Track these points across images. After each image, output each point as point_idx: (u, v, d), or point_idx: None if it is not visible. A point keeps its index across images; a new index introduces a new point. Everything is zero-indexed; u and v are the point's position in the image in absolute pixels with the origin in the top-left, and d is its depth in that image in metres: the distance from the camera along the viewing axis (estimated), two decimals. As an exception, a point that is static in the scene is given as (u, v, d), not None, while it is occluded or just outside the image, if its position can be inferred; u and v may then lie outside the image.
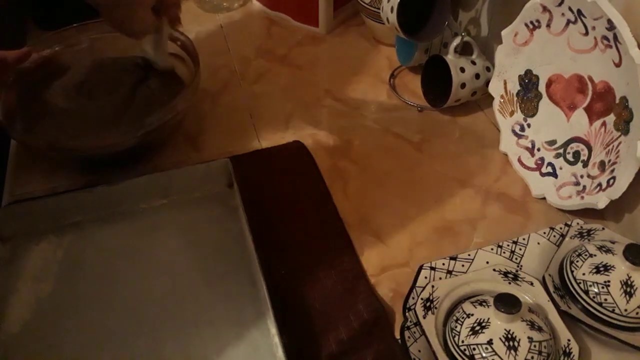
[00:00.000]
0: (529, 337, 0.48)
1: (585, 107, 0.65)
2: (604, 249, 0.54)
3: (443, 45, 0.82)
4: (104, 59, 0.77)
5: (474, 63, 0.76)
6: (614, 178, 0.60)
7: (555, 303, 0.53)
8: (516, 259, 0.60)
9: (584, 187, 0.65)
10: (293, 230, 0.64)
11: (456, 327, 0.50)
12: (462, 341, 0.49)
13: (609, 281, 0.52)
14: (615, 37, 0.57)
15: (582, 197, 0.64)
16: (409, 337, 0.53)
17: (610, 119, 0.62)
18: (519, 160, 0.72)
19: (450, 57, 0.75)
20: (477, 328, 0.49)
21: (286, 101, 0.82)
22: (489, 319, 0.49)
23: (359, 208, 0.68)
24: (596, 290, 0.53)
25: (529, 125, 0.72)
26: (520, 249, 0.61)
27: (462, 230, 0.66)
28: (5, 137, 0.72)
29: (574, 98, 0.66)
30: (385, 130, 0.78)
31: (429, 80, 0.80)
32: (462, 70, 0.74)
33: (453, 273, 0.58)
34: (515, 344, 0.48)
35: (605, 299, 0.52)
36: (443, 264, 0.59)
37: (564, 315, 0.53)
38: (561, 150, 0.69)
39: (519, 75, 0.72)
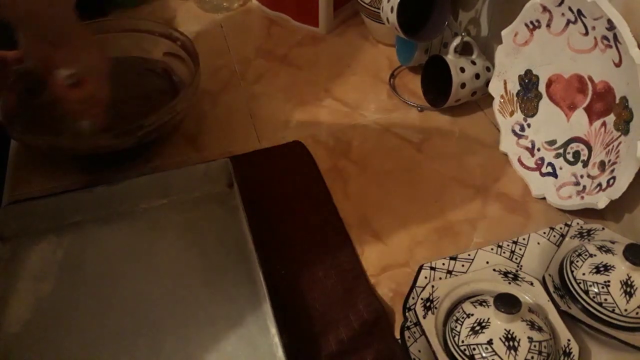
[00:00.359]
0: (529, 337, 0.48)
1: (585, 107, 0.65)
2: (604, 249, 0.54)
3: (443, 45, 0.81)
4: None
5: (474, 63, 0.76)
6: (614, 178, 0.60)
7: (555, 303, 0.53)
8: (516, 259, 0.60)
9: (584, 187, 0.65)
10: (293, 230, 0.64)
11: (456, 327, 0.50)
12: (462, 341, 0.49)
13: (609, 281, 0.52)
14: (615, 37, 0.57)
15: (582, 197, 0.64)
16: (409, 337, 0.53)
17: (610, 119, 0.62)
18: (519, 160, 0.72)
19: (450, 57, 0.75)
20: (477, 328, 0.49)
21: (286, 101, 0.82)
22: (489, 319, 0.49)
23: (359, 208, 0.68)
24: (596, 290, 0.53)
25: (529, 125, 0.72)
26: (520, 249, 0.61)
27: (462, 230, 0.66)
28: (5, 137, 0.72)
29: (574, 98, 0.66)
30: (385, 130, 0.78)
31: (429, 80, 0.80)
32: (462, 70, 0.74)
33: (453, 273, 0.58)
34: (515, 344, 0.48)
35: (605, 299, 0.52)
36: (443, 264, 0.59)
37: (564, 315, 0.53)
38: (561, 150, 0.69)
39: (519, 75, 0.72)
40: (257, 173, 0.70)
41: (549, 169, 0.69)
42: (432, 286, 0.55)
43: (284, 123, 0.78)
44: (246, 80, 0.85)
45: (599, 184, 0.62)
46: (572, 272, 0.55)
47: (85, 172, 0.70)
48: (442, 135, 0.77)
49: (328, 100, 0.82)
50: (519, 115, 0.73)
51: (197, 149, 0.74)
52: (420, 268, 0.58)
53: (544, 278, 0.56)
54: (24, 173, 0.71)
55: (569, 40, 0.65)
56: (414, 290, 0.56)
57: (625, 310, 0.52)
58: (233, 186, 0.66)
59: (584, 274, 0.54)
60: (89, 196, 0.64)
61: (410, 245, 0.64)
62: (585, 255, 0.55)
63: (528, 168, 0.71)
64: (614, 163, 0.61)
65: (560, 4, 0.63)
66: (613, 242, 0.55)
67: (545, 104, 0.70)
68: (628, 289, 0.52)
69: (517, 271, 0.56)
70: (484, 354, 0.48)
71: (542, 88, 0.70)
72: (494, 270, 0.57)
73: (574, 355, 0.50)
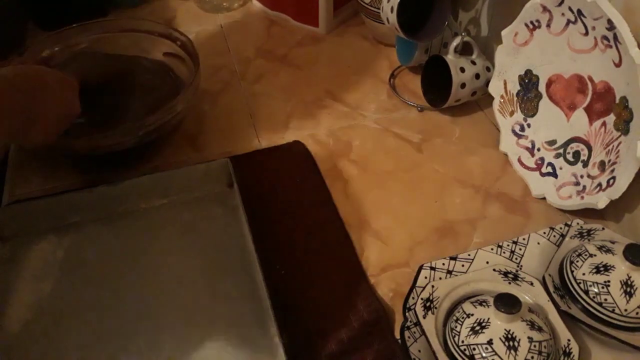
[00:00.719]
0: (529, 337, 0.48)
1: (585, 107, 0.65)
2: (604, 249, 0.54)
3: (443, 45, 0.82)
4: (104, 59, 0.77)
5: (474, 63, 0.76)
6: (614, 178, 0.60)
7: (555, 303, 0.53)
8: (516, 259, 0.60)
9: (584, 187, 0.65)
10: (293, 230, 0.64)
11: (456, 327, 0.50)
12: (462, 341, 0.49)
13: (609, 281, 0.52)
14: (615, 37, 0.57)
15: (582, 197, 0.64)
16: (409, 337, 0.53)
17: (610, 119, 0.62)
18: (519, 160, 0.72)
19: (450, 57, 0.75)
20: (477, 328, 0.49)
21: (286, 101, 0.82)
22: (489, 319, 0.49)
23: (359, 208, 0.68)
24: (596, 290, 0.53)
25: (529, 125, 0.72)
26: (520, 249, 0.61)
27: (462, 230, 0.66)
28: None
29: (574, 98, 0.66)
30: (385, 130, 0.78)
31: (429, 80, 0.80)
32: (462, 70, 0.74)
33: (453, 273, 0.58)
34: (515, 344, 0.48)
35: (605, 299, 0.52)
36: (443, 264, 0.59)
37: (564, 315, 0.53)
38: (561, 150, 0.69)
39: (519, 75, 0.72)
40: (257, 173, 0.70)
41: (549, 169, 0.69)
42: (432, 286, 0.55)
43: (284, 123, 0.78)
44: (246, 80, 0.85)
45: (599, 184, 0.62)
46: (572, 272, 0.55)
47: (85, 172, 0.70)
48: (442, 135, 0.77)
49: (328, 100, 0.82)
50: (519, 115, 0.73)
51: (197, 149, 0.74)
52: (420, 268, 0.58)
53: (544, 278, 0.56)
54: (24, 173, 0.71)
55: (569, 40, 0.65)
56: (414, 290, 0.56)
57: (625, 310, 0.52)
58: (233, 186, 0.66)
59: (584, 274, 0.54)
60: (89, 196, 0.64)
61: (410, 245, 0.64)
62: (585, 255, 0.55)
63: (528, 168, 0.71)
64: (614, 163, 0.61)
65: (560, 4, 0.63)
66: (613, 242, 0.55)
67: (545, 104, 0.70)
68: (628, 289, 0.52)
69: (517, 271, 0.56)
70: (484, 354, 0.48)
71: (542, 88, 0.70)
72: (494, 270, 0.57)
73: (573, 355, 0.50)
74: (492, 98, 0.75)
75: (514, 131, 0.73)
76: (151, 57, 0.79)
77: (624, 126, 0.60)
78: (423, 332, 0.52)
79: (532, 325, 0.49)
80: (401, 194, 0.69)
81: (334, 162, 0.73)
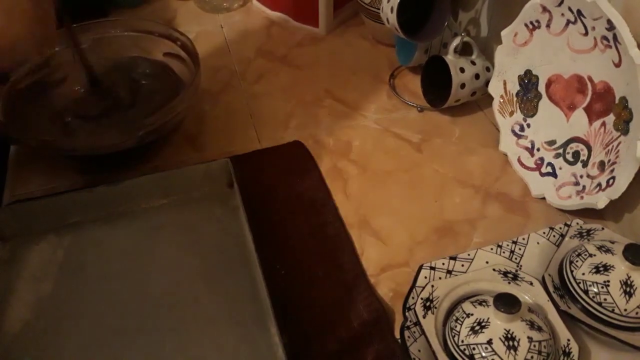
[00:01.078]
0: (528, 337, 0.48)
1: (584, 107, 0.65)
2: (603, 248, 0.54)
3: (443, 45, 0.82)
4: (104, 59, 0.77)
5: (473, 63, 0.76)
6: (613, 178, 0.60)
7: (554, 303, 0.53)
8: (516, 258, 0.60)
9: (584, 187, 0.65)
10: (293, 230, 0.64)
11: (456, 326, 0.50)
12: (462, 341, 0.49)
13: (608, 281, 0.52)
14: (615, 37, 0.57)
15: (582, 197, 0.64)
16: (408, 337, 0.53)
17: (610, 119, 0.62)
18: (519, 160, 0.72)
19: (450, 57, 0.75)
20: (477, 328, 0.49)
21: (286, 101, 0.82)
22: (488, 318, 0.49)
23: (359, 208, 0.68)
24: (596, 290, 0.53)
25: (528, 126, 0.72)
26: (519, 249, 0.61)
27: (462, 230, 0.66)
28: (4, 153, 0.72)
29: (574, 98, 0.66)
30: (385, 130, 0.78)
31: (428, 80, 0.80)
32: (462, 70, 0.75)
33: (453, 273, 0.58)
34: (515, 343, 0.48)
35: (605, 299, 0.52)
36: (443, 264, 0.59)
37: (564, 315, 0.53)
38: (561, 150, 0.69)
39: (519, 76, 0.72)
40: (257, 173, 0.70)
41: (549, 169, 0.69)
42: (432, 286, 0.55)
43: (284, 123, 0.78)
44: (246, 80, 0.85)
45: (599, 184, 0.62)
46: (571, 272, 0.55)
47: (85, 172, 0.70)
48: (442, 135, 0.77)
49: (328, 100, 0.82)
50: (518, 116, 0.73)
51: (197, 149, 0.74)
52: (420, 268, 0.58)
53: (543, 278, 0.56)
54: (24, 173, 0.71)
55: (568, 40, 0.65)
56: (414, 290, 0.56)
57: (625, 310, 0.52)
58: (233, 186, 0.66)
59: (583, 274, 0.54)
60: (89, 196, 0.64)
61: (410, 245, 0.64)
62: (585, 255, 0.55)
63: (528, 168, 0.71)
64: (614, 163, 0.61)
65: (559, 4, 0.63)
66: (612, 242, 0.56)
67: (545, 104, 0.70)
68: (627, 289, 0.52)
69: (516, 271, 0.56)
70: (483, 354, 0.48)
71: (541, 88, 0.70)
72: (494, 270, 0.57)
73: (573, 355, 0.50)
74: (492, 98, 0.75)
75: (513, 131, 0.74)
76: (151, 58, 0.79)
77: (623, 126, 0.60)
78: (423, 332, 0.52)
79: (532, 325, 0.49)
80: (401, 194, 0.70)
81: (334, 162, 0.73)
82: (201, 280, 0.59)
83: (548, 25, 0.66)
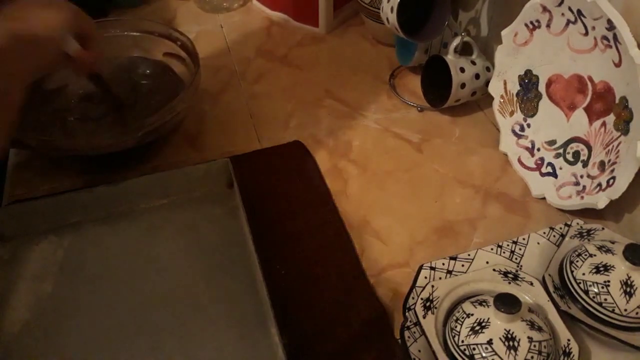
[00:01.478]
0: (528, 337, 0.48)
1: (585, 107, 0.65)
2: (603, 249, 0.54)
3: (443, 45, 0.82)
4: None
5: (473, 63, 0.76)
6: (613, 178, 0.60)
7: (555, 303, 0.53)
8: (516, 259, 0.60)
9: (584, 187, 0.65)
10: (293, 230, 0.64)
11: (456, 327, 0.50)
12: (462, 341, 0.49)
13: (608, 281, 0.52)
14: (615, 37, 0.57)
15: (582, 197, 0.64)
16: (409, 337, 0.53)
17: (610, 119, 0.62)
18: (519, 160, 0.72)
19: (450, 57, 0.75)
20: (477, 328, 0.49)
21: (286, 101, 0.82)
22: (488, 318, 0.49)
23: (359, 208, 0.68)
24: (596, 290, 0.53)
25: (528, 125, 0.72)
26: (520, 249, 0.61)
27: (462, 230, 0.66)
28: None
29: (574, 98, 0.66)
30: (385, 130, 0.78)
31: (429, 80, 0.80)
32: (462, 70, 0.74)
33: (453, 273, 0.58)
34: (515, 343, 0.48)
35: (605, 299, 0.52)
36: (443, 264, 0.59)
37: (564, 315, 0.53)
38: (561, 150, 0.69)
39: (519, 75, 0.72)
40: (257, 173, 0.70)
41: (549, 169, 0.69)
42: (432, 286, 0.55)
43: (284, 123, 0.78)
44: (246, 80, 0.85)
45: (599, 184, 0.62)
46: (572, 272, 0.55)
47: (85, 172, 0.70)
48: (442, 135, 0.77)
49: (328, 100, 0.82)
50: (518, 115, 0.73)
51: (197, 149, 0.74)
52: (420, 268, 0.58)
53: (543, 278, 0.56)
54: (24, 173, 0.71)
55: (568, 40, 0.65)
56: (414, 290, 0.56)
57: (625, 310, 0.52)
58: (233, 186, 0.66)
59: (583, 274, 0.54)
60: (89, 196, 0.64)
61: (410, 245, 0.64)
62: (585, 255, 0.55)
63: (528, 168, 0.71)
64: (614, 163, 0.61)
65: (560, 4, 0.63)
66: (613, 242, 0.55)
67: (545, 104, 0.70)
68: (628, 289, 0.52)
69: (517, 271, 0.56)
70: (483, 354, 0.48)
71: (542, 88, 0.70)
72: (494, 270, 0.57)
73: (573, 355, 0.50)
74: (492, 98, 0.75)
75: (513, 131, 0.74)
76: (151, 58, 0.79)
77: (623, 126, 0.60)
78: (423, 332, 0.52)
79: (532, 325, 0.49)
80: (401, 194, 0.70)
81: (334, 162, 0.73)
82: (201, 280, 0.59)
83: (548, 25, 0.66)
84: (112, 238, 0.63)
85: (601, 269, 0.53)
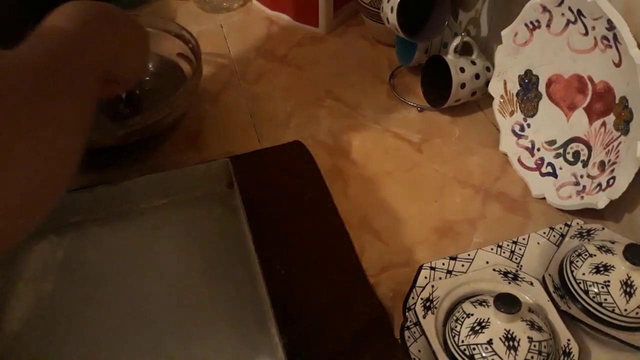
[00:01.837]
0: (528, 337, 0.48)
1: (585, 107, 0.65)
2: (603, 249, 0.54)
3: (443, 45, 0.82)
4: None
5: (474, 63, 0.76)
6: (613, 178, 0.60)
7: (555, 303, 0.53)
8: (516, 258, 0.60)
9: (584, 187, 0.65)
10: (293, 230, 0.64)
11: (456, 327, 0.50)
12: (462, 341, 0.49)
13: (608, 281, 0.52)
14: (615, 37, 0.57)
15: (582, 197, 0.64)
16: (408, 337, 0.53)
17: (610, 119, 0.62)
18: (519, 160, 0.72)
19: (450, 57, 0.75)
20: (477, 328, 0.49)
21: (286, 101, 0.82)
22: (488, 318, 0.49)
23: (359, 208, 0.68)
24: (596, 290, 0.53)
25: (528, 125, 0.72)
26: (520, 249, 0.61)
27: (462, 230, 0.66)
28: None
29: (574, 98, 0.66)
30: (385, 130, 0.78)
31: (429, 80, 0.80)
32: (462, 70, 0.74)
33: (453, 273, 0.58)
34: (515, 343, 0.48)
35: (605, 299, 0.52)
36: (443, 264, 0.59)
37: (564, 315, 0.53)
38: (561, 150, 0.69)
39: (519, 75, 0.72)
40: (257, 173, 0.70)
41: (549, 169, 0.69)
42: (432, 286, 0.55)
43: (284, 123, 0.78)
44: (246, 80, 0.85)
45: (599, 184, 0.62)
46: (572, 272, 0.55)
47: (85, 172, 0.70)
48: (442, 135, 0.77)
49: (328, 100, 0.82)
50: (518, 115, 0.73)
51: (197, 148, 0.74)
52: (420, 268, 0.58)
53: (543, 278, 0.56)
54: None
55: (568, 40, 0.65)
56: (414, 290, 0.56)
57: (625, 310, 0.52)
58: (233, 186, 0.66)
59: (583, 274, 0.54)
60: (89, 196, 0.64)
61: (410, 245, 0.64)
62: (585, 255, 0.55)
63: (528, 168, 0.71)
64: (614, 163, 0.61)
65: (560, 4, 0.63)
66: (613, 242, 0.56)
67: (545, 104, 0.70)
68: (628, 289, 0.52)
69: (517, 271, 0.56)
70: (483, 354, 0.48)
71: (542, 88, 0.70)
72: (494, 270, 0.57)
73: (573, 355, 0.50)
74: (492, 98, 0.75)
75: (513, 131, 0.74)
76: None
77: (623, 126, 0.60)
78: (423, 332, 0.52)
79: (532, 325, 0.49)
80: (401, 194, 0.70)
81: (334, 162, 0.73)
82: (201, 280, 0.59)
83: (548, 25, 0.66)
84: (112, 238, 0.63)
85: (601, 269, 0.53)
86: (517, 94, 0.73)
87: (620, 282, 0.52)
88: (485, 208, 0.68)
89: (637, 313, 0.52)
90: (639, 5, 0.57)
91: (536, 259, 0.60)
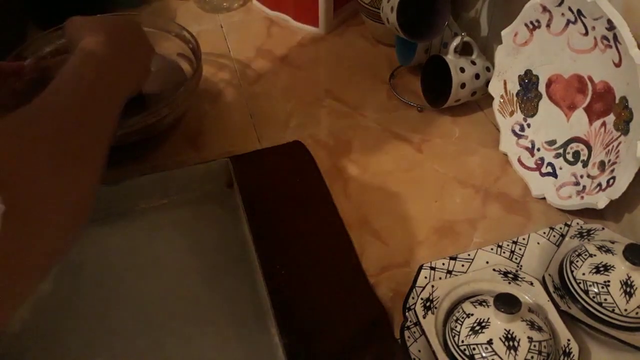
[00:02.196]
0: (528, 337, 0.48)
1: (585, 107, 0.65)
2: (603, 249, 0.54)
3: (443, 45, 0.81)
4: None
5: (474, 63, 0.76)
6: (613, 178, 0.60)
7: (555, 303, 0.53)
8: (516, 259, 0.60)
9: (584, 187, 0.65)
10: (293, 230, 0.64)
11: (456, 327, 0.50)
12: (462, 341, 0.49)
13: (608, 281, 0.52)
14: (615, 37, 0.57)
15: (582, 197, 0.64)
16: (409, 337, 0.53)
17: (610, 119, 0.62)
18: (519, 160, 0.72)
19: (450, 57, 0.75)
20: (477, 328, 0.49)
21: (286, 101, 0.82)
22: (488, 318, 0.49)
23: (359, 208, 0.68)
24: (596, 290, 0.53)
25: (528, 125, 0.72)
26: (520, 249, 0.61)
27: (462, 230, 0.66)
28: None
29: (574, 98, 0.66)
30: (385, 130, 0.78)
31: (429, 80, 0.80)
32: (462, 70, 0.74)
33: (453, 273, 0.58)
34: (515, 343, 0.48)
35: (605, 299, 0.52)
36: (443, 264, 0.59)
37: (564, 315, 0.53)
38: (561, 150, 0.69)
39: (519, 75, 0.72)
40: (257, 173, 0.70)
41: (549, 169, 0.69)
42: (432, 286, 0.55)
43: (284, 123, 0.78)
44: (246, 80, 0.85)
45: (599, 184, 0.62)
46: (572, 272, 0.55)
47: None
48: (442, 135, 0.77)
49: (328, 100, 0.82)
50: (518, 115, 0.73)
51: (197, 148, 0.74)
52: (420, 268, 0.58)
53: (543, 278, 0.56)
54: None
55: (568, 40, 0.65)
56: (414, 290, 0.56)
57: (625, 310, 0.52)
58: (233, 186, 0.66)
59: (583, 274, 0.54)
60: (89, 196, 0.64)
61: (410, 245, 0.64)
62: (585, 255, 0.55)
63: (528, 168, 0.71)
64: (614, 163, 0.61)
65: (560, 4, 0.63)
66: (613, 242, 0.56)
67: (545, 104, 0.70)
68: (628, 289, 0.52)
69: (517, 271, 0.56)
70: (483, 354, 0.48)
71: (542, 88, 0.70)
72: (494, 270, 0.57)
73: (573, 355, 0.50)
74: (492, 98, 0.75)
75: (513, 131, 0.73)
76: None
77: (623, 126, 0.60)
78: (423, 332, 0.52)
79: (532, 325, 0.49)
80: (401, 194, 0.69)
81: (334, 162, 0.73)
82: (201, 280, 0.59)
83: (548, 25, 0.66)
84: (112, 238, 0.63)
85: (601, 269, 0.53)
86: (517, 94, 0.73)
87: (620, 282, 0.52)
88: (485, 208, 0.68)
89: (637, 313, 0.52)
90: (639, 5, 0.57)
91: (536, 259, 0.60)
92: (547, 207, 0.68)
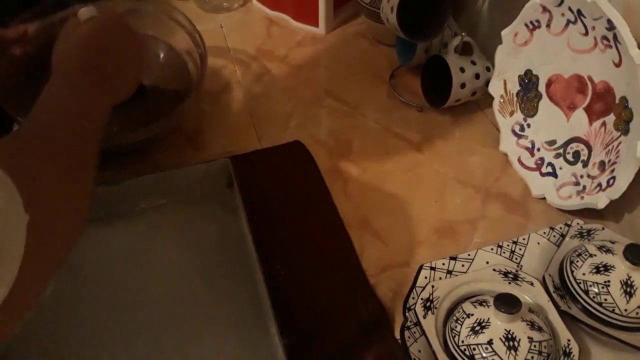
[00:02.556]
0: (529, 337, 0.48)
1: (585, 107, 0.65)
2: (604, 249, 0.54)
3: (443, 45, 0.81)
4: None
5: (474, 63, 0.76)
6: (613, 178, 0.60)
7: (555, 303, 0.53)
8: (516, 259, 0.60)
9: (584, 187, 0.65)
10: (293, 230, 0.64)
11: (456, 327, 0.50)
12: (462, 341, 0.49)
13: (609, 281, 0.52)
14: (615, 37, 0.57)
15: (582, 197, 0.64)
16: (409, 337, 0.53)
17: (610, 119, 0.62)
18: (519, 160, 0.72)
19: (450, 57, 0.75)
20: (477, 328, 0.49)
21: (286, 101, 0.82)
22: (489, 319, 0.49)
23: (359, 208, 0.68)
24: (596, 290, 0.53)
25: (528, 125, 0.72)
26: (520, 249, 0.61)
27: (462, 230, 0.66)
28: (5, 133, 0.71)
29: (574, 98, 0.66)
30: (385, 130, 0.78)
31: (429, 80, 0.80)
32: (462, 70, 0.74)
33: (453, 273, 0.58)
34: (515, 344, 0.48)
35: (605, 299, 0.52)
36: (443, 264, 0.59)
37: (564, 315, 0.53)
38: (561, 150, 0.69)
39: (519, 75, 0.72)
40: (257, 173, 0.70)
41: (549, 169, 0.69)
42: (432, 286, 0.55)
43: (284, 123, 0.78)
44: (246, 80, 0.85)
45: (599, 184, 0.62)
46: (572, 272, 0.55)
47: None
48: (442, 135, 0.77)
49: (328, 100, 0.82)
50: (518, 115, 0.73)
51: (197, 149, 0.74)
52: (420, 268, 0.58)
53: (544, 278, 0.56)
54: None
55: (568, 40, 0.65)
56: (414, 290, 0.56)
57: (625, 310, 0.52)
58: (233, 186, 0.66)
59: (584, 274, 0.54)
60: (88, 196, 0.64)
61: (410, 245, 0.64)
62: (585, 255, 0.55)
63: (528, 168, 0.71)
64: (614, 163, 0.61)
65: (560, 4, 0.63)
66: (613, 242, 0.56)
67: (545, 104, 0.70)
68: (628, 289, 0.52)
69: (517, 271, 0.56)
70: (484, 354, 0.48)
71: (542, 88, 0.70)
72: (494, 270, 0.57)
73: (574, 355, 0.50)
74: (492, 98, 0.75)
75: (513, 131, 0.73)
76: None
77: (623, 126, 0.60)
78: (423, 332, 0.52)
79: (532, 325, 0.49)
80: (401, 194, 0.69)
81: (334, 162, 0.73)
82: (201, 280, 0.59)
83: (548, 25, 0.66)
84: (112, 238, 0.63)
85: (601, 269, 0.53)
86: (517, 94, 0.73)
87: (621, 282, 0.52)
88: (485, 208, 0.68)
89: (637, 313, 0.52)
90: (639, 5, 0.57)
91: (536, 259, 0.60)
92: (547, 207, 0.68)
